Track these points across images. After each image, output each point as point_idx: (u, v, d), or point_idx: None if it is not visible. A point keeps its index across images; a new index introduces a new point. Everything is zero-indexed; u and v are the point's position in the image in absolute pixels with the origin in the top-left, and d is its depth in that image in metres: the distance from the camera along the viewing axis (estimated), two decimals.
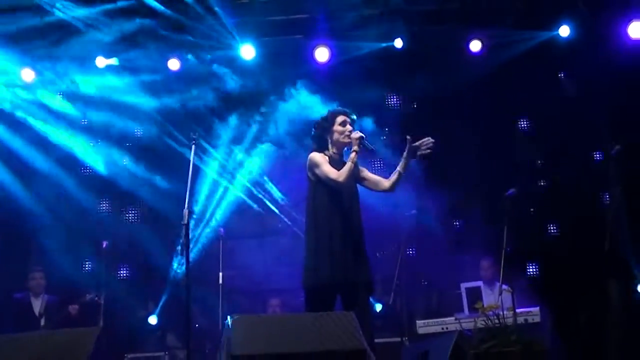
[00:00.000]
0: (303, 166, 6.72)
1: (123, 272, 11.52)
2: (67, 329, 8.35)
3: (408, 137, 6.52)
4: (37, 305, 10.11)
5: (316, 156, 6.64)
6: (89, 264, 11.17)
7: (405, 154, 6.52)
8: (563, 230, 10.85)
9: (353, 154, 6.49)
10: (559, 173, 10.91)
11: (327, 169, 6.53)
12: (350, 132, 6.65)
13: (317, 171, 6.57)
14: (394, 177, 6.61)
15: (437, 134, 6.53)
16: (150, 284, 11.33)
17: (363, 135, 6.57)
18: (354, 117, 6.80)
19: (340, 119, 6.73)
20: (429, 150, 6.48)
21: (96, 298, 9.82)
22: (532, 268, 9.83)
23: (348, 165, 6.47)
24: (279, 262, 11.16)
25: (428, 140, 6.49)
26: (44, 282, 10.26)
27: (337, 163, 6.62)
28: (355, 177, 6.65)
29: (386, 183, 6.69)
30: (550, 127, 11.34)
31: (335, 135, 6.71)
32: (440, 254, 10.93)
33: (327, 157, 6.66)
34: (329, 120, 6.77)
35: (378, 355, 5.81)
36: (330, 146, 6.76)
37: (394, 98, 12.05)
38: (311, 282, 6.42)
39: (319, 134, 6.81)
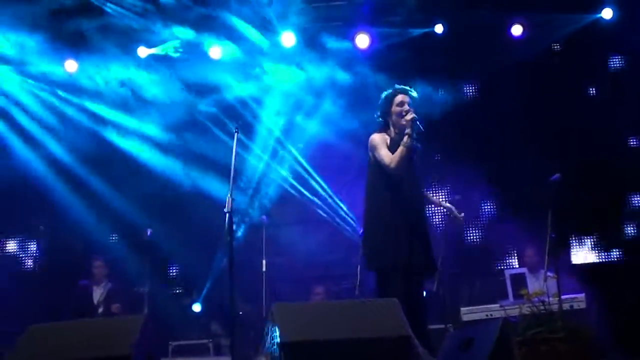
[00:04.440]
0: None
1: (167, 260, 11.59)
2: (113, 317, 8.64)
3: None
4: (98, 293, 10.18)
5: (376, 138, 6.47)
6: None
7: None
8: (606, 212, 10.72)
9: (406, 138, 6.24)
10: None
11: (383, 154, 6.36)
12: (407, 112, 6.40)
13: (375, 154, 6.41)
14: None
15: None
16: (194, 272, 11.40)
17: (416, 116, 6.32)
18: (414, 93, 6.56)
19: (398, 98, 6.51)
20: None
21: (141, 289, 9.89)
22: (576, 254, 9.74)
23: (400, 150, 6.25)
24: (322, 249, 11.18)
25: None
26: (105, 270, 10.33)
27: (398, 144, 6.37)
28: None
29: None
30: (594, 111, 11.22)
31: (394, 117, 6.50)
32: (484, 240, 10.88)
33: (387, 138, 6.47)
34: (388, 101, 6.55)
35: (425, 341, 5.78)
36: (391, 127, 6.55)
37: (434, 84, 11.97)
38: (375, 263, 6.37)
39: (380, 115, 6.62)
